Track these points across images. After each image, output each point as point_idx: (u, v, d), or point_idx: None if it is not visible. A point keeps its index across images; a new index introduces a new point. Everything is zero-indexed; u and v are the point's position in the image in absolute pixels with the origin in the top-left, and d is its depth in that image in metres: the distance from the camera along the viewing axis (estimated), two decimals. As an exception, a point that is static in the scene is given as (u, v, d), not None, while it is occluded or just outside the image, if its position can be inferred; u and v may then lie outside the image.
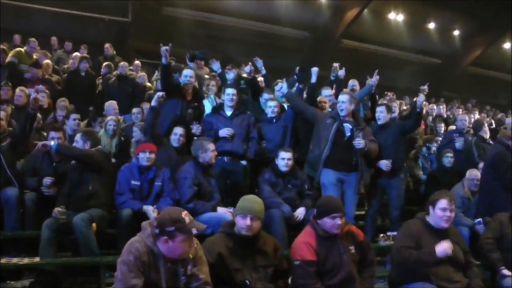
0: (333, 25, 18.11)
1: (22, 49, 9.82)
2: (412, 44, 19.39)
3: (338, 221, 3.95)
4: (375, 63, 18.60)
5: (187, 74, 6.37)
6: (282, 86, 6.50)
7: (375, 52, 19.06)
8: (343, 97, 6.07)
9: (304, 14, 17.63)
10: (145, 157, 5.28)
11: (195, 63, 7.95)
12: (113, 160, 6.33)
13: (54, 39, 12.33)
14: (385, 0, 17.78)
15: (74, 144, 5.58)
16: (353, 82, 8.21)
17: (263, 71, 7.98)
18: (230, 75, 8.20)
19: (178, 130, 5.91)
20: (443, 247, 4.18)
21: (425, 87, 7.79)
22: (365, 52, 18.92)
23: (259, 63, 7.87)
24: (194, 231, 3.15)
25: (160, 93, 5.98)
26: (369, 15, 18.27)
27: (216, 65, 7.91)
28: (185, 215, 3.19)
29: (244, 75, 8.06)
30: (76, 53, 11.17)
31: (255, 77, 7.50)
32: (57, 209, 4.86)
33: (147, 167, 5.31)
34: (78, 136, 5.60)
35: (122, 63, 10.12)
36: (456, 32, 19.83)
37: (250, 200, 3.91)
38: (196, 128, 6.14)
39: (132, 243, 3.18)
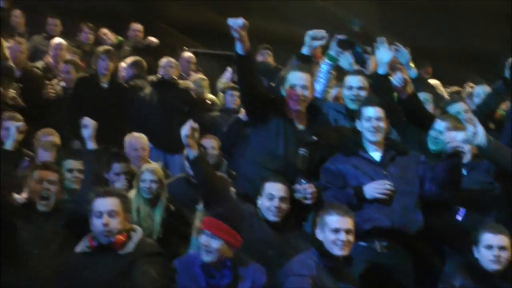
0: None
1: None
2: None
3: None
4: None
5: (296, 82, 6.32)
6: (477, 131, 6.32)
7: None
8: None
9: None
10: (203, 244, 5.36)
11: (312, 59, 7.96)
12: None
13: (17, 14, 12.64)
14: None
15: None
16: None
17: (413, 72, 8.02)
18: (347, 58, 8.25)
19: (274, 189, 5.94)
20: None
21: None
22: None
23: (404, 53, 7.95)
24: None
25: (240, 118, 6.08)
26: None
27: (347, 59, 7.95)
28: None
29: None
30: (59, 40, 11.51)
31: (413, 94, 7.37)
32: None
33: (213, 264, 5.38)
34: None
35: (165, 61, 10.36)
36: None
37: None
38: (302, 190, 6.11)
39: None
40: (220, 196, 5.96)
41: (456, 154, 6.01)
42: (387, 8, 17.07)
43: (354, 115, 6.74)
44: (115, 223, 5.41)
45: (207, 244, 5.28)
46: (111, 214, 5.41)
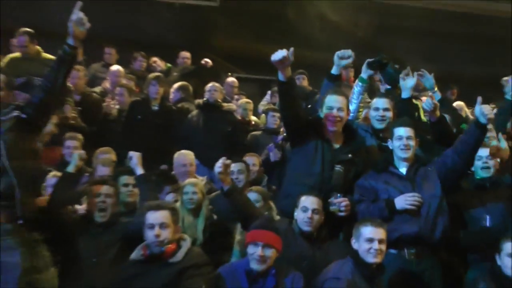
0: None
1: (18, 54, 10.46)
2: None
3: None
4: None
5: (333, 105, 6.35)
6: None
7: None
8: None
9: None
10: (255, 254, 5.40)
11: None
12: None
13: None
14: None
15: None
16: None
17: (437, 94, 7.90)
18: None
19: (307, 202, 5.98)
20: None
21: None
22: None
23: (429, 78, 7.94)
24: None
25: (279, 137, 6.12)
26: None
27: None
28: None
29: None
30: (117, 67, 11.64)
31: (441, 117, 7.26)
32: None
33: (260, 272, 5.43)
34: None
35: (210, 85, 10.41)
36: None
37: None
38: (337, 203, 6.15)
39: None
40: (254, 216, 5.99)
41: (485, 126, 6.12)
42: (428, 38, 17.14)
43: (379, 133, 6.92)
44: (166, 234, 5.51)
45: (262, 254, 5.36)
46: (162, 226, 5.52)
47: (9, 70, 9.43)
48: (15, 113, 5.53)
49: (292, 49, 5.91)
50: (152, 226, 5.51)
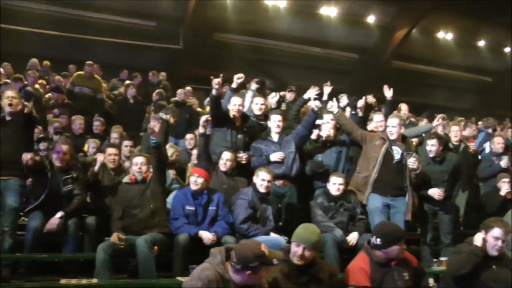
0: (382, 46, 18.04)
1: (82, 73, 10.30)
2: (462, 63, 19.09)
3: (404, 246, 3.98)
4: (426, 83, 18.72)
5: (236, 103, 6.39)
6: (333, 104, 6.36)
7: (425, 72, 18.95)
8: (392, 121, 5.97)
9: (353, 35, 17.63)
10: (192, 181, 5.43)
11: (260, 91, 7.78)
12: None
13: (71, 67, 12.21)
14: (434, 19, 17.49)
15: None
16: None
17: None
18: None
19: (225, 155, 5.95)
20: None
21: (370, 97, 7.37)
22: (415, 72, 18.79)
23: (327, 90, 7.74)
24: (275, 261, 3.26)
25: (203, 118, 6.06)
26: (418, 35, 18.14)
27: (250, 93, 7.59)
28: (264, 247, 3.29)
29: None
30: (128, 81, 11.51)
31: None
32: (117, 236, 4.99)
33: (197, 191, 5.41)
34: None
35: (179, 90, 10.41)
36: (508, 49, 19.38)
37: (308, 230, 3.88)
38: (241, 156, 6.17)
39: (202, 270, 3.27)
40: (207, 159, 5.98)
41: (317, 112, 6.17)
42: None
43: (258, 117, 6.90)
44: (144, 168, 5.48)
45: (196, 180, 5.37)
46: (142, 164, 5.47)
47: (76, 82, 10.07)
48: None
49: (221, 75, 6.04)
50: (136, 164, 5.47)
